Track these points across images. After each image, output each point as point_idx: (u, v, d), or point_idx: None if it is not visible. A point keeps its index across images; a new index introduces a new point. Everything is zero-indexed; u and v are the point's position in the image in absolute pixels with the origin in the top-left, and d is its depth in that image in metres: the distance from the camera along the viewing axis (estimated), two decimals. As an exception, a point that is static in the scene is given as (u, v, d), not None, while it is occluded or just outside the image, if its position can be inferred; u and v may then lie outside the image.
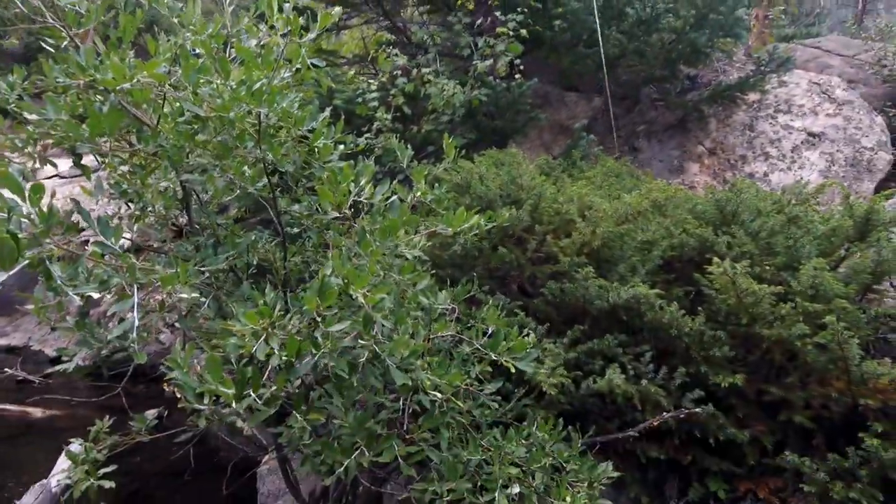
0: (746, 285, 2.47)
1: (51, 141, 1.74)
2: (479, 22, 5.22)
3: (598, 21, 5.10)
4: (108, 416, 2.25)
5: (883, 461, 2.14)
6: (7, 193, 1.29)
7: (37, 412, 5.17)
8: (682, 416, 2.48)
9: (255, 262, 2.28)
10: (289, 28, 1.75)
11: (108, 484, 1.83)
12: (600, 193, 3.59)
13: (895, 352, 2.46)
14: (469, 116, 4.94)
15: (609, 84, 6.23)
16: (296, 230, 2.52)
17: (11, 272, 1.27)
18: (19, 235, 1.19)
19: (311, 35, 1.83)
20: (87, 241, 1.76)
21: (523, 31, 4.77)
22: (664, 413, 2.50)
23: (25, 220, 1.29)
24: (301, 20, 1.82)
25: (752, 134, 5.80)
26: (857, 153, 5.48)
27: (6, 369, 5.65)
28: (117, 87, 1.41)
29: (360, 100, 4.32)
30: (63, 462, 3.73)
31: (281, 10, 1.77)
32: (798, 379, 2.51)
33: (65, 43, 1.74)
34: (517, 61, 4.86)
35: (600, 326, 2.85)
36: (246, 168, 2.04)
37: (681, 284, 3.00)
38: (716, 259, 2.60)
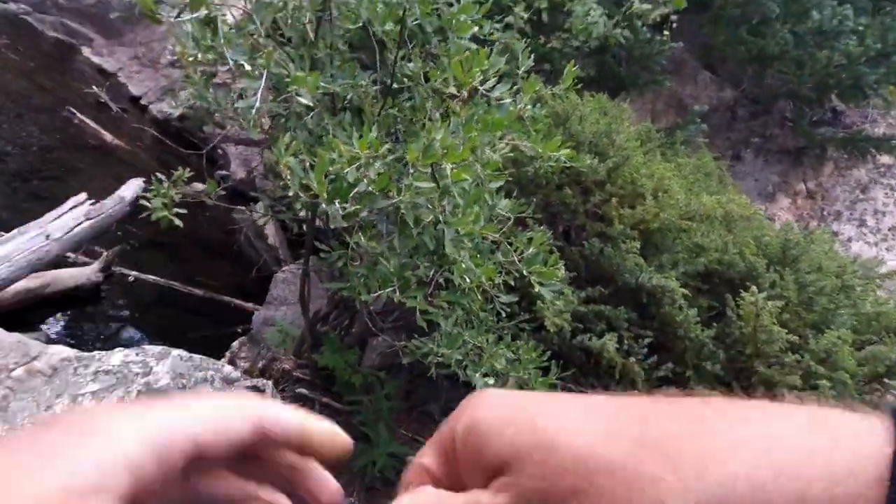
0: (768, 322, 2.56)
1: None
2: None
3: (777, 9, 4.62)
4: (187, 168, 2.54)
5: None
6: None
7: (106, 136, 5.60)
8: (648, 399, 2.70)
9: (351, 98, 2.42)
10: None
11: (177, 221, 2.14)
12: (682, 184, 3.55)
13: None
14: (597, 52, 4.71)
15: (749, 81, 5.78)
16: (396, 86, 2.62)
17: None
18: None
19: None
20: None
21: (696, -14, 4.36)
22: (636, 391, 2.72)
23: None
24: None
25: (861, 195, 5.45)
26: (952, 263, 5.15)
27: (94, 87, 6.01)
28: None
29: (505, -16, 4.12)
30: (130, 188, 4.16)
31: None
32: (764, 420, 2.68)
33: None
34: (674, 16, 4.50)
35: (618, 297, 3.00)
36: (380, 6, 2.11)
37: (708, 297, 3.08)
38: (753, 288, 2.66)
